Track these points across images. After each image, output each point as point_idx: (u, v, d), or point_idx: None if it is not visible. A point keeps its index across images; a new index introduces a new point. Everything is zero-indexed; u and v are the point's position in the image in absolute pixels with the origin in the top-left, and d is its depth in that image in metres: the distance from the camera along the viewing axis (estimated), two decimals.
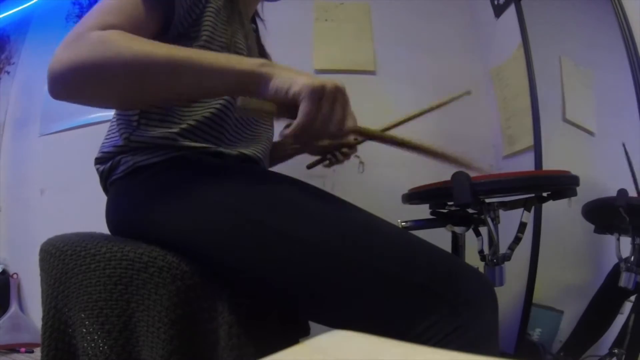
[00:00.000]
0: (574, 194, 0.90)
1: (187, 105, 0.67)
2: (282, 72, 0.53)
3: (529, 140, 1.41)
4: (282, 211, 0.56)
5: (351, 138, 1.03)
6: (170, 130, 0.65)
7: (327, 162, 1.04)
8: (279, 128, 0.95)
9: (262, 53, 0.89)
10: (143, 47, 0.54)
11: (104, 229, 0.71)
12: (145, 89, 0.56)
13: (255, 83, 0.53)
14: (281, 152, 1.04)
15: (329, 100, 0.51)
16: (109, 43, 0.53)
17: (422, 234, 0.61)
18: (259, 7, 0.90)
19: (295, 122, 0.51)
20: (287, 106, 0.53)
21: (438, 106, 0.67)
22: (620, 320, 1.10)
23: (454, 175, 0.84)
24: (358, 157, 1.14)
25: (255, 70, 0.53)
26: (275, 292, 0.57)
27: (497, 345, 0.51)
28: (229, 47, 0.68)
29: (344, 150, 1.00)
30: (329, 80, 0.51)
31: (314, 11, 1.67)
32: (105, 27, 0.55)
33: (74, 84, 0.55)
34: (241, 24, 0.73)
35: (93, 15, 0.57)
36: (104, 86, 0.55)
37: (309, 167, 1.05)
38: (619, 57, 1.16)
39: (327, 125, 0.52)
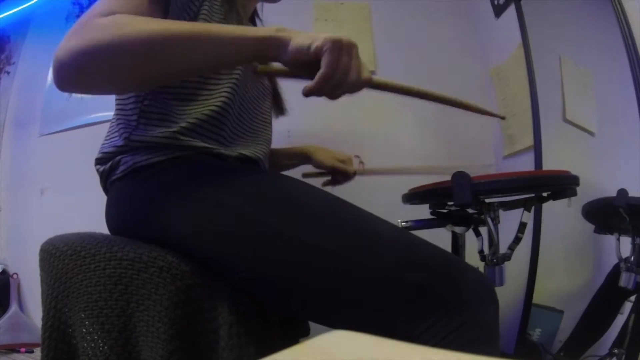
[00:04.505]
0: (574, 194, 0.90)
1: (186, 104, 0.67)
2: (298, 33, 0.55)
3: (529, 140, 1.40)
4: (282, 211, 0.56)
5: (351, 169, 1.06)
6: (170, 129, 0.65)
7: (327, 179, 1.07)
8: (278, 129, 0.95)
9: None
10: (157, 24, 0.54)
11: (104, 229, 0.71)
12: (163, 65, 0.56)
13: (274, 47, 0.55)
14: (279, 161, 1.05)
15: (348, 52, 0.54)
16: (122, 24, 0.53)
17: (422, 234, 0.61)
18: (258, 7, 0.90)
19: (320, 73, 0.53)
20: (306, 64, 0.55)
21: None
22: (620, 320, 1.10)
23: (454, 175, 0.84)
24: (358, 157, 1.15)
25: (274, 35, 0.55)
26: (275, 292, 0.57)
27: (497, 345, 0.51)
28: None
29: (342, 172, 1.04)
30: (343, 35, 0.54)
31: (314, 11, 1.67)
32: (112, 14, 0.55)
33: (86, 70, 0.53)
34: (238, 24, 0.73)
35: (98, 5, 0.56)
36: (118, 67, 0.54)
37: (305, 175, 1.08)
38: (619, 57, 1.16)
39: (347, 75, 0.54)
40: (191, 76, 0.67)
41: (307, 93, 0.56)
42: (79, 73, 0.54)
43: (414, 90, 0.65)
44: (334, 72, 0.53)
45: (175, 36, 0.53)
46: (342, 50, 0.53)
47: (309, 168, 1.10)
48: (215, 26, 0.56)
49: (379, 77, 0.61)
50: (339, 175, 1.08)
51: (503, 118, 0.81)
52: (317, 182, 1.10)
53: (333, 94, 0.57)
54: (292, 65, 0.56)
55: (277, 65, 0.59)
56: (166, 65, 0.56)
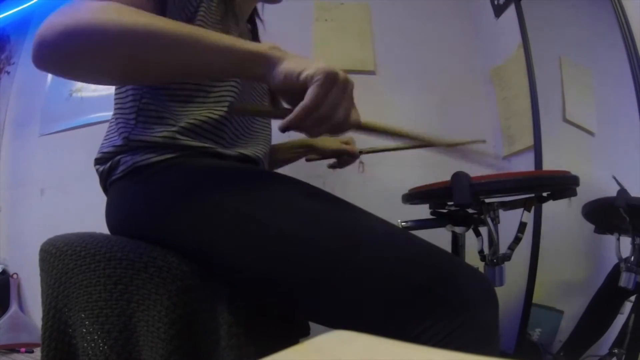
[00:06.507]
0: (574, 194, 0.90)
1: (184, 105, 0.67)
2: (292, 57, 0.52)
3: (529, 140, 1.41)
4: (281, 211, 0.56)
5: (356, 149, 1.06)
6: (169, 129, 0.65)
7: (333, 162, 1.07)
8: (276, 128, 0.95)
9: None
10: (146, 18, 0.51)
11: (104, 229, 0.71)
12: (145, 62, 0.53)
13: (263, 65, 0.52)
14: (282, 156, 1.05)
15: (342, 88, 0.51)
16: (110, 11, 0.51)
17: (422, 234, 0.61)
18: (259, 7, 0.90)
19: (301, 104, 0.49)
20: (292, 93, 0.52)
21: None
22: (620, 320, 1.10)
23: (454, 175, 0.84)
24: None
25: (265, 52, 0.52)
26: (274, 292, 0.57)
27: (497, 345, 0.51)
28: None
29: (346, 156, 1.04)
30: (341, 70, 0.51)
31: (314, 11, 1.67)
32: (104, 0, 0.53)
33: (65, 49, 0.51)
34: (235, 24, 0.72)
35: None
36: (98, 54, 0.52)
37: (309, 160, 1.08)
38: (619, 57, 1.16)
39: (335, 112, 0.51)
40: (176, 80, 0.65)
41: (284, 127, 0.52)
42: (57, 51, 0.52)
43: (406, 134, 0.61)
44: (318, 106, 0.49)
45: (160, 33, 0.51)
46: (335, 84, 0.50)
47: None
48: (205, 31, 0.53)
49: (368, 120, 0.58)
50: (346, 155, 1.07)
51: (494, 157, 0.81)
52: (322, 164, 1.10)
53: (313, 131, 0.52)
54: (278, 89, 0.53)
55: (254, 105, 0.55)
56: (146, 62, 0.53)
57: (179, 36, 0.51)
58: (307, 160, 1.09)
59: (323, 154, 1.07)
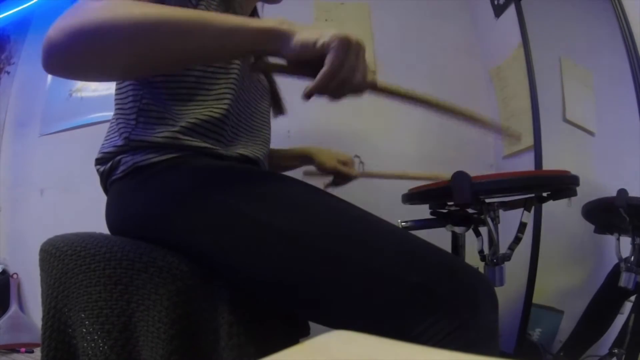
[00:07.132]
0: (574, 194, 0.90)
1: (184, 104, 0.67)
2: (303, 27, 0.53)
3: (529, 140, 1.41)
4: (282, 211, 0.56)
5: (353, 172, 1.06)
6: (169, 129, 0.65)
7: (328, 181, 1.07)
8: (278, 129, 0.95)
9: None
10: (152, 8, 0.52)
11: (104, 229, 0.71)
12: (155, 51, 0.53)
13: (277, 40, 0.53)
14: (279, 162, 1.05)
15: (356, 51, 0.52)
16: (116, 6, 0.51)
17: (422, 234, 0.61)
18: (258, 6, 0.90)
19: (323, 70, 0.51)
20: (308, 61, 0.53)
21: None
22: (620, 320, 1.10)
23: (454, 175, 0.84)
24: (358, 157, 1.15)
25: (277, 27, 0.53)
26: (275, 292, 0.57)
27: (497, 345, 0.51)
28: None
29: (343, 174, 1.04)
30: (352, 34, 0.52)
31: (314, 11, 1.67)
32: None
33: (76, 50, 0.51)
34: None
35: None
36: (110, 51, 0.52)
37: (306, 174, 1.08)
38: (619, 57, 1.16)
39: (353, 74, 0.53)
40: (187, 66, 0.66)
41: (309, 93, 0.53)
42: (68, 54, 0.52)
43: (419, 98, 0.62)
44: (339, 70, 0.51)
45: (170, 21, 0.51)
46: (350, 48, 0.51)
47: (309, 168, 1.11)
48: (214, 14, 0.53)
49: (383, 81, 0.60)
50: (340, 177, 1.08)
51: (518, 138, 0.78)
52: (318, 181, 1.10)
53: (335, 94, 0.54)
54: (293, 61, 0.54)
55: (273, 60, 0.57)
56: (158, 51, 0.53)
57: (190, 21, 0.52)
58: (305, 174, 1.09)
59: (320, 168, 1.08)
